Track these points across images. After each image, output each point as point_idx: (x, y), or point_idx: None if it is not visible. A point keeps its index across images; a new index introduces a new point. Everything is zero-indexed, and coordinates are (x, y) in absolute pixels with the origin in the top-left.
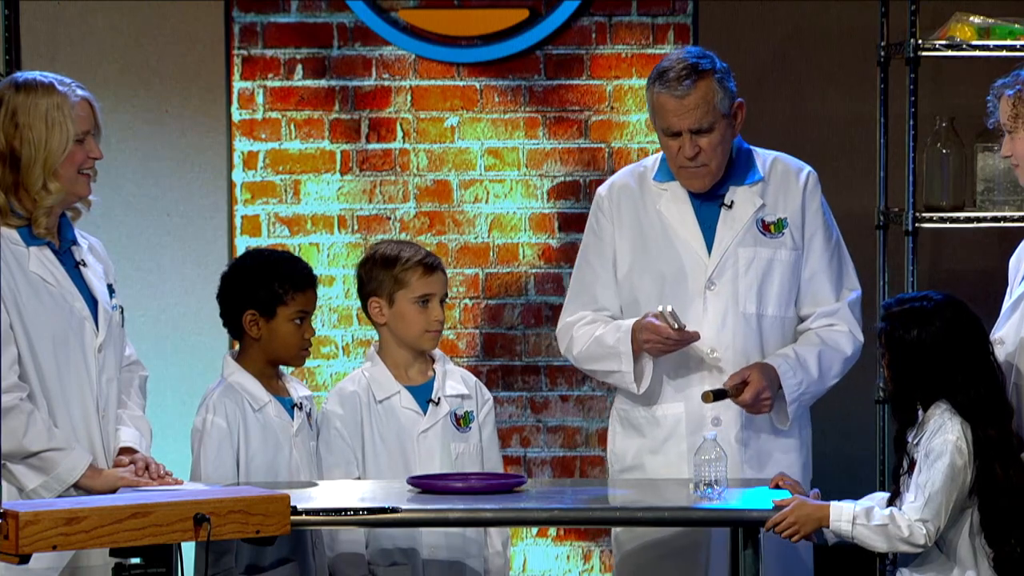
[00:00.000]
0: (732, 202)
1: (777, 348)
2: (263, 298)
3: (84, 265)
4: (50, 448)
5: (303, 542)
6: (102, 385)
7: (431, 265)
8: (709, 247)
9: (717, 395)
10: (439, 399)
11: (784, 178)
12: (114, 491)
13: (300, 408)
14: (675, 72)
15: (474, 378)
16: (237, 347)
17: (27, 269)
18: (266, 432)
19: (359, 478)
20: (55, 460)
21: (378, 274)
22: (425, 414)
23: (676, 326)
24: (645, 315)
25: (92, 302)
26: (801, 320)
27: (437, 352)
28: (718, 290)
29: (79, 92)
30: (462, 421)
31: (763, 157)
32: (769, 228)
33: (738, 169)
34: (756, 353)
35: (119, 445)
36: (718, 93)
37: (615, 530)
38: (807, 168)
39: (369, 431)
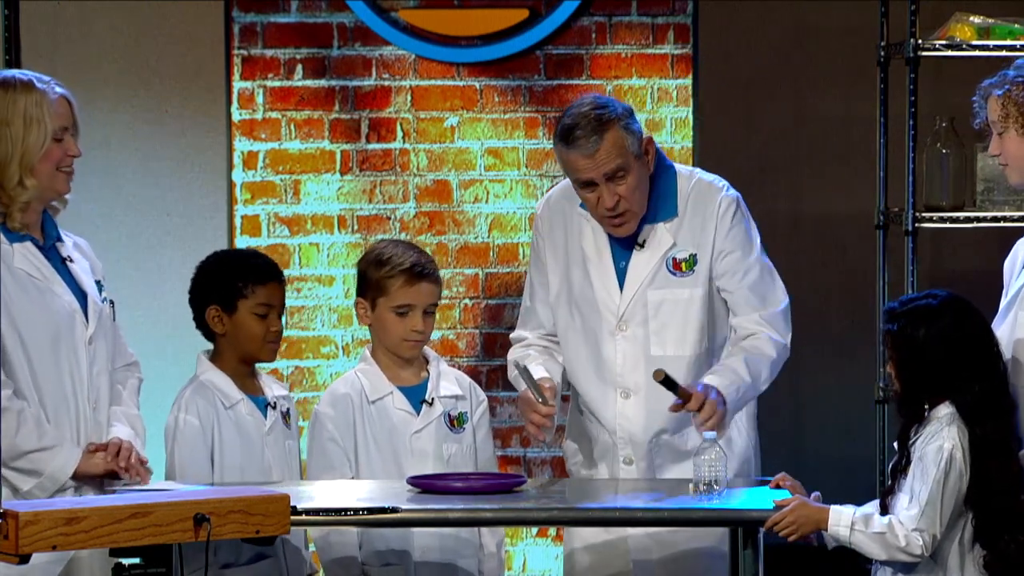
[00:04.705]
0: (644, 241)
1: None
2: (224, 293)
3: (71, 261)
4: (40, 448)
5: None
6: (93, 377)
7: (417, 274)
8: (622, 288)
9: (668, 383)
10: (432, 400)
11: (698, 209)
12: (101, 474)
13: (273, 407)
14: (581, 130)
15: (468, 379)
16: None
17: (11, 265)
18: (239, 430)
19: (353, 479)
20: (45, 460)
21: (367, 273)
22: (418, 415)
23: (536, 395)
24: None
25: (81, 295)
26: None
27: (431, 353)
28: (628, 333)
29: (57, 90)
30: (456, 422)
31: (685, 182)
32: (680, 266)
33: (654, 203)
34: (668, 395)
35: (110, 439)
36: (626, 139)
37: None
38: (722, 193)
39: (362, 432)
